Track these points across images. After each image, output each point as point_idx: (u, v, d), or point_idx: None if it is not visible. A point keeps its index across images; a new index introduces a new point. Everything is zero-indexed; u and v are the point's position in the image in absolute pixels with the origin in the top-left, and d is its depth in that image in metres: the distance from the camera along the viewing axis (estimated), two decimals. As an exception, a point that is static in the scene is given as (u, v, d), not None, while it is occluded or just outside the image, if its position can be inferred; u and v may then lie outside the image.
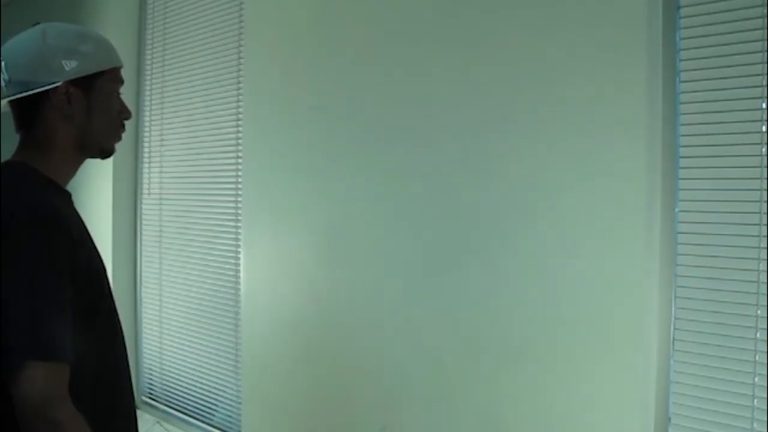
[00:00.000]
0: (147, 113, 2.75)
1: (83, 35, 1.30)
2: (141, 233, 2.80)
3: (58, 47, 1.25)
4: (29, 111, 1.25)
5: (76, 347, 1.14)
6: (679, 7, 1.33)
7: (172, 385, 2.61)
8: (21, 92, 1.23)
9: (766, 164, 1.23)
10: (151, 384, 2.75)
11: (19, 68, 1.25)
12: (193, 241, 2.48)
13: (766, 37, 1.22)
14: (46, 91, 1.23)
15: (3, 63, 1.25)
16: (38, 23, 1.31)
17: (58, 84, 1.23)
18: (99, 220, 2.73)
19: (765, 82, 1.23)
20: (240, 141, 2.28)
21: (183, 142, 2.57)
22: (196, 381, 2.50)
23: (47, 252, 1.13)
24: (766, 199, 1.23)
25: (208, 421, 2.45)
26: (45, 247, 1.13)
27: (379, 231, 1.79)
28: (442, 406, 1.66)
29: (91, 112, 1.28)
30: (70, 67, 1.25)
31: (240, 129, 2.29)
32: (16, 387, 1.07)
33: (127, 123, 1.35)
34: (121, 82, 1.35)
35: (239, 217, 2.27)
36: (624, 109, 1.35)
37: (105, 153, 1.34)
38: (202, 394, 2.47)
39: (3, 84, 1.27)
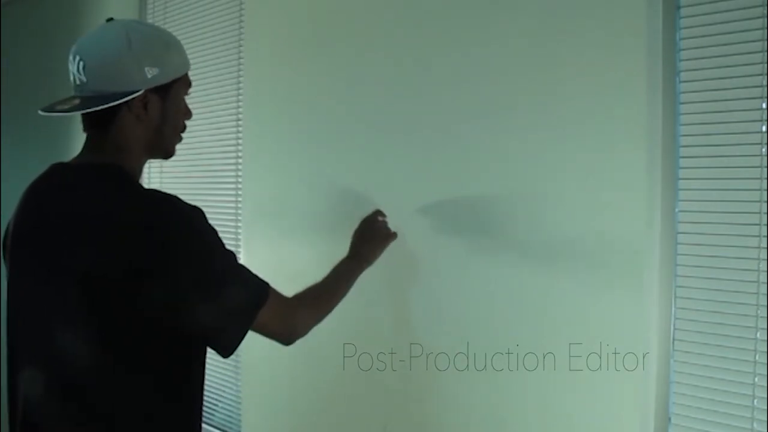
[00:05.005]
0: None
1: (166, 40, 1.29)
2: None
3: (143, 54, 1.23)
4: (104, 115, 1.24)
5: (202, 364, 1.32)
6: (679, 7, 1.33)
7: (172, 385, 2.61)
8: (98, 98, 1.21)
9: (766, 164, 1.23)
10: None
11: (99, 73, 1.22)
12: (193, 241, 2.47)
13: (766, 37, 1.22)
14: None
15: (81, 64, 1.23)
16: (111, 18, 1.29)
17: (139, 93, 1.22)
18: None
19: (765, 82, 1.23)
20: (240, 141, 2.28)
21: (183, 142, 2.56)
22: (196, 381, 2.50)
23: (211, 230, 1.25)
24: (766, 199, 1.23)
25: (207, 421, 2.44)
26: (210, 228, 1.25)
27: (379, 231, 1.78)
28: (443, 406, 1.66)
29: (164, 116, 1.29)
30: (152, 74, 1.24)
31: (240, 129, 2.29)
32: (261, 329, 1.29)
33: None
34: (190, 84, 1.35)
35: (239, 217, 2.27)
36: (624, 109, 1.35)
37: (168, 155, 1.37)
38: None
39: (77, 84, 1.24)
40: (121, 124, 1.26)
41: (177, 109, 1.33)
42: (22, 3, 3.58)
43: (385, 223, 1.70)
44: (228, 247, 1.27)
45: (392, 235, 1.69)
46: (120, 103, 1.22)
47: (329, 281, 1.52)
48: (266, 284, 1.28)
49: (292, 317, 1.34)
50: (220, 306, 1.20)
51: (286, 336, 1.35)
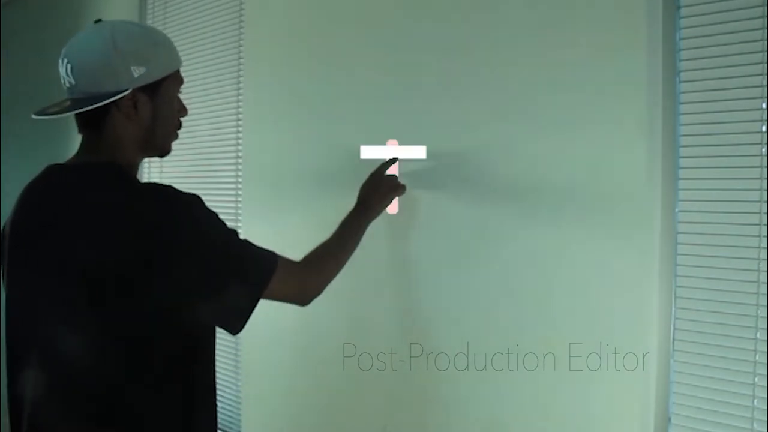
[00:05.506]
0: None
1: (152, 39, 1.30)
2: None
3: (129, 53, 1.24)
4: (95, 115, 1.25)
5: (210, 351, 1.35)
6: (679, 7, 1.33)
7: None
8: (88, 99, 1.22)
9: (766, 164, 1.23)
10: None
11: (86, 74, 1.23)
12: (193, 241, 2.47)
13: (766, 37, 1.22)
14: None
15: (69, 66, 1.24)
16: (99, 20, 1.30)
17: (126, 92, 1.23)
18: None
19: (765, 82, 1.23)
20: (240, 141, 2.28)
21: (183, 142, 2.55)
22: (196, 381, 2.50)
23: (212, 214, 1.26)
24: (766, 199, 1.24)
25: (208, 421, 2.44)
26: (210, 213, 1.26)
27: (379, 230, 1.78)
28: (443, 406, 1.66)
29: (156, 115, 1.29)
30: (139, 73, 1.24)
31: (240, 129, 2.29)
32: (276, 297, 1.32)
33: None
34: (182, 82, 1.35)
35: (239, 217, 2.27)
36: (624, 109, 1.35)
37: (164, 153, 1.37)
38: (202, 394, 2.47)
39: (67, 86, 1.25)
40: (112, 124, 1.26)
41: (169, 107, 1.33)
42: (22, 3, 3.58)
43: (394, 176, 1.69)
44: (230, 226, 1.28)
45: (401, 187, 1.68)
46: (109, 103, 1.23)
47: (337, 236, 1.54)
48: (272, 255, 1.31)
49: (303, 281, 1.39)
50: (226, 290, 1.22)
51: (300, 298, 1.40)
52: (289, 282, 1.33)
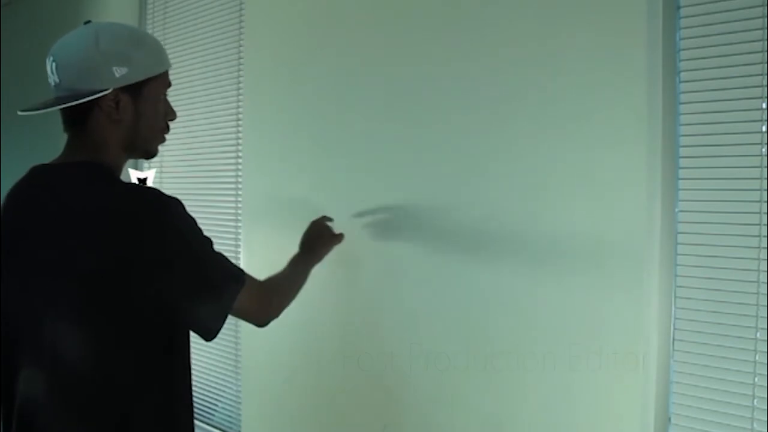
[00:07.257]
0: (147, 113, 2.75)
1: (136, 40, 1.31)
2: (141, 233, 2.78)
3: (111, 54, 1.25)
4: (79, 114, 1.26)
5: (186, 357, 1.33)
6: (679, 7, 1.33)
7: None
8: (70, 96, 1.23)
9: (766, 164, 1.23)
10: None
11: (69, 72, 1.24)
12: (193, 241, 2.47)
13: (766, 37, 1.22)
14: (96, 96, 1.23)
15: (54, 64, 1.25)
16: (89, 21, 1.31)
17: (107, 92, 1.23)
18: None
19: (765, 82, 1.23)
20: (240, 141, 2.28)
21: (183, 142, 2.57)
22: (196, 380, 2.49)
23: (192, 219, 1.26)
24: (766, 199, 1.24)
25: (207, 420, 2.45)
26: (190, 218, 1.26)
27: (379, 230, 1.79)
28: (443, 406, 1.66)
29: (139, 116, 1.30)
30: (121, 73, 1.25)
31: (240, 129, 2.29)
32: (238, 312, 1.32)
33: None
34: (169, 85, 1.37)
35: (239, 217, 2.27)
36: (624, 109, 1.35)
37: (150, 155, 1.39)
38: (202, 394, 2.47)
39: (53, 84, 1.26)
40: (94, 123, 1.27)
41: (153, 109, 1.33)
42: (22, 3, 3.59)
43: (331, 227, 1.83)
44: (206, 234, 1.29)
45: (338, 237, 1.81)
46: (91, 102, 1.23)
47: (291, 271, 1.62)
48: (242, 270, 1.33)
49: (267, 300, 1.41)
50: (202, 292, 1.24)
51: (262, 317, 1.40)
52: (255, 299, 1.34)
